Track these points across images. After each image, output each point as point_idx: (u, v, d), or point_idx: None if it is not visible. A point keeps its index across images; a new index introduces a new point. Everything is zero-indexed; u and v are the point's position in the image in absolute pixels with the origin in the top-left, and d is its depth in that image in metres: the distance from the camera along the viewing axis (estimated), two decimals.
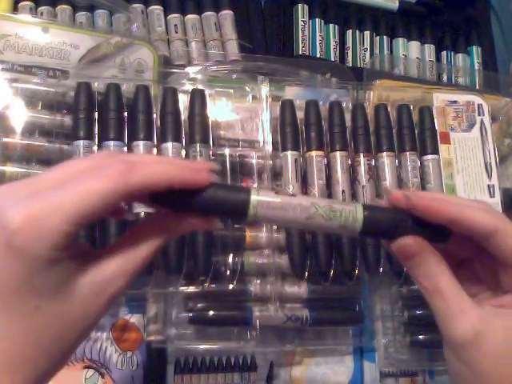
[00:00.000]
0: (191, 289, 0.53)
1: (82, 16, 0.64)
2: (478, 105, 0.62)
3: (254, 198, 0.30)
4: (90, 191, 0.26)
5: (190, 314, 0.53)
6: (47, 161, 0.52)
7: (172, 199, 0.30)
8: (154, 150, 0.53)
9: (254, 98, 0.59)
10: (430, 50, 0.77)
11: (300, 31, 0.73)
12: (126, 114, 0.53)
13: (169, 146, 0.52)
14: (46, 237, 0.25)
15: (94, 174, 0.27)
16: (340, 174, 0.56)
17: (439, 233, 0.32)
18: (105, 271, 0.28)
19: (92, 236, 0.49)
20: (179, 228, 0.31)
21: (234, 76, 0.61)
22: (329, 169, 0.57)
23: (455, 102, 0.61)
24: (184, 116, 0.54)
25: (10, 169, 0.51)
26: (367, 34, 0.75)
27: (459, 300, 0.31)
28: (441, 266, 0.31)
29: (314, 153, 0.56)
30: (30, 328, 0.26)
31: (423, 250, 0.31)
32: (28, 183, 0.27)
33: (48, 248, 0.26)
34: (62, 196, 0.26)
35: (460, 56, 0.78)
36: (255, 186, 0.56)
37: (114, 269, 0.29)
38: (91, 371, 0.53)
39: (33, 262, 0.26)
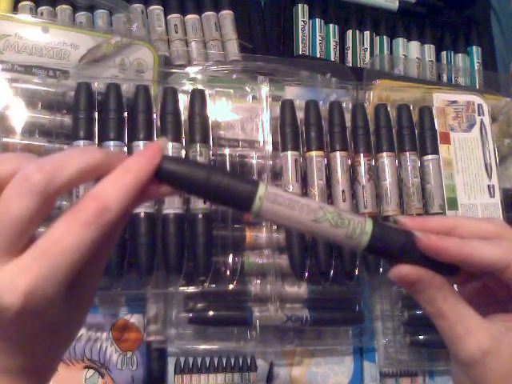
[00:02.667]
0: (191, 289, 0.53)
1: (81, 16, 0.64)
2: (478, 105, 0.62)
3: (262, 189, 0.29)
4: (75, 247, 0.25)
5: (190, 314, 0.53)
6: None
7: (178, 181, 0.29)
8: None
9: (254, 98, 0.59)
10: (429, 50, 0.77)
11: (300, 31, 0.73)
12: (126, 113, 0.53)
13: (169, 146, 0.52)
14: (46, 303, 0.25)
15: (67, 223, 0.25)
16: (340, 174, 0.56)
17: (448, 266, 0.31)
18: (81, 283, 0.28)
19: None
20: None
21: (234, 76, 0.61)
22: (329, 169, 0.57)
23: (455, 102, 0.61)
24: (184, 116, 0.54)
25: None
26: (367, 34, 0.75)
27: (465, 321, 0.30)
28: (443, 291, 0.30)
29: (314, 153, 0.56)
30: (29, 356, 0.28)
31: (422, 279, 0.30)
32: None
33: (47, 308, 0.25)
34: (50, 262, 0.25)
35: (460, 56, 0.78)
36: None
37: (88, 277, 0.28)
38: (91, 371, 0.53)
39: (35, 323, 0.26)
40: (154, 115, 0.54)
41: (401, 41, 0.76)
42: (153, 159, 0.28)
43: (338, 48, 0.74)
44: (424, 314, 0.56)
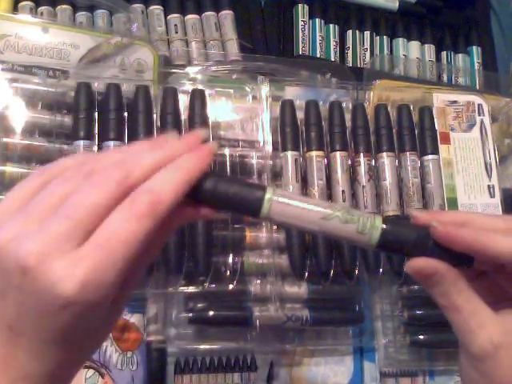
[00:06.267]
0: (191, 289, 0.53)
1: (82, 16, 0.64)
2: (478, 105, 0.62)
3: (270, 192, 0.30)
4: (131, 239, 0.25)
5: (190, 314, 0.53)
6: (47, 161, 0.52)
7: (204, 196, 0.30)
8: None
9: (254, 98, 0.58)
10: (430, 50, 0.77)
11: (300, 31, 0.73)
12: (125, 114, 0.53)
13: None
14: (100, 295, 0.25)
15: (123, 214, 0.26)
16: (340, 175, 0.56)
17: (463, 258, 0.31)
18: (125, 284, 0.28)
19: None
20: (179, 220, 0.31)
21: (234, 76, 0.61)
22: (329, 169, 0.57)
23: (455, 102, 0.61)
24: (184, 116, 0.54)
25: (10, 169, 0.51)
26: (367, 34, 0.75)
27: (478, 315, 0.30)
28: (457, 284, 0.31)
29: (314, 153, 0.56)
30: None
31: (437, 272, 0.30)
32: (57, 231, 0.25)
33: (101, 301, 0.26)
34: (107, 252, 0.25)
35: (460, 56, 0.78)
36: None
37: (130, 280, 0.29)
38: (91, 371, 0.53)
39: (86, 316, 0.26)
40: (154, 115, 0.54)
41: (401, 41, 0.76)
42: (203, 160, 0.29)
43: (338, 48, 0.74)
44: (424, 314, 0.57)
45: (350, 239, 0.30)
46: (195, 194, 0.29)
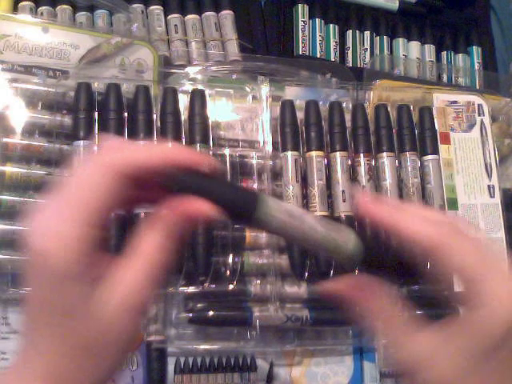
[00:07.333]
0: (191, 289, 0.53)
1: (82, 16, 0.64)
2: (478, 105, 0.62)
3: (262, 194, 0.30)
4: (93, 190, 0.26)
5: (190, 314, 0.53)
6: (47, 161, 0.52)
7: (180, 186, 0.29)
8: None
9: (254, 98, 0.59)
10: (430, 50, 0.77)
11: (300, 31, 0.73)
12: (125, 114, 0.53)
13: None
14: (63, 247, 0.26)
15: (88, 168, 0.27)
16: (340, 175, 0.56)
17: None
18: (129, 283, 0.27)
19: None
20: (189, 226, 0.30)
21: (234, 76, 0.61)
22: (329, 169, 0.57)
23: (455, 102, 0.61)
24: (184, 116, 0.54)
25: (10, 169, 0.51)
26: (367, 34, 0.75)
27: (399, 334, 0.31)
28: (378, 303, 0.32)
29: (314, 153, 0.56)
30: (70, 347, 0.27)
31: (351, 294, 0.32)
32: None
33: (72, 259, 0.26)
34: (68, 203, 0.26)
35: (460, 56, 0.78)
36: (255, 186, 0.56)
37: (138, 278, 0.27)
38: None
39: (61, 281, 0.26)
40: (154, 115, 0.54)
41: (401, 41, 0.76)
42: (191, 154, 0.29)
43: (338, 48, 0.74)
44: (423, 313, 0.56)
45: (331, 242, 0.31)
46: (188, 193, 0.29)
